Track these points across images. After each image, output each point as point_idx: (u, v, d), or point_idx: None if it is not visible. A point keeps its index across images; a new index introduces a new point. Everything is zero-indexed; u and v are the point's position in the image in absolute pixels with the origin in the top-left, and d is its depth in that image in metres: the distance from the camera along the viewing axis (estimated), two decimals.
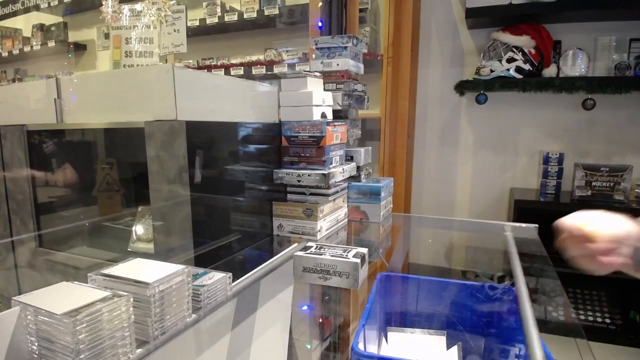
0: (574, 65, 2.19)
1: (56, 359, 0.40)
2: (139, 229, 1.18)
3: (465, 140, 2.62)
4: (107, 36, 3.39)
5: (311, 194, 1.15)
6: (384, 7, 2.26)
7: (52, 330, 0.40)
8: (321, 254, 0.77)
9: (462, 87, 2.38)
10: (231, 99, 0.99)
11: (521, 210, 2.17)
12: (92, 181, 1.26)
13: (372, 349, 0.77)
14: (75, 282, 0.48)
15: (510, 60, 2.23)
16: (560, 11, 2.10)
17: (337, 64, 1.28)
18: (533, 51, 2.23)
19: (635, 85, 2.03)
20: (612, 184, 2.09)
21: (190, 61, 3.03)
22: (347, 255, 0.77)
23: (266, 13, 2.59)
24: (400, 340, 0.83)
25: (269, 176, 1.15)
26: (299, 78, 1.15)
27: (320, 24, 2.10)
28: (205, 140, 0.91)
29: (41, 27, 3.69)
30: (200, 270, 0.60)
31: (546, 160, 2.27)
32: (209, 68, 2.91)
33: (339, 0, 2.13)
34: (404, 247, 1.30)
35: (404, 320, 0.86)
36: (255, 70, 2.69)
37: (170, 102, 0.81)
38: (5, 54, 3.79)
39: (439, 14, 2.56)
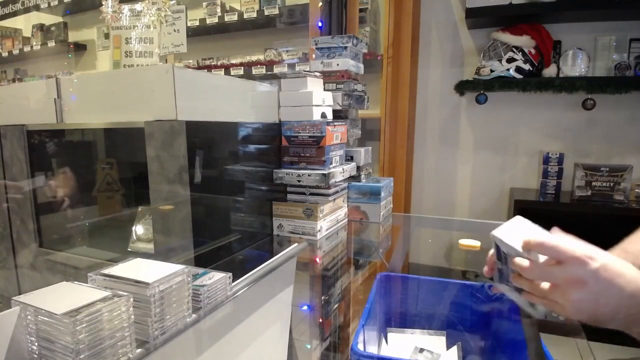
0: (574, 65, 2.19)
1: (56, 359, 0.40)
2: (139, 229, 1.18)
3: (465, 140, 2.62)
4: (107, 36, 3.39)
5: (311, 194, 1.15)
6: (384, 7, 2.26)
7: (52, 330, 0.40)
8: None
9: (462, 87, 2.38)
10: (231, 99, 0.99)
11: (521, 210, 2.16)
12: (92, 181, 1.26)
13: (372, 349, 0.77)
14: (75, 282, 0.48)
15: (510, 60, 2.23)
16: (560, 11, 2.10)
17: (337, 64, 1.28)
18: (533, 51, 2.23)
19: (635, 85, 2.03)
20: (612, 184, 2.09)
21: (190, 61, 3.03)
22: None
23: (266, 13, 2.59)
24: (400, 341, 0.83)
25: (269, 176, 1.15)
26: (299, 78, 1.15)
27: (320, 24, 2.10)
28: (205, 140, 0.91)
29: (41, 27, 3.69)
30: (200, 270, 0.60)
31: (546, 160, 2.27)
32: (209, 68, 2.91)
33: (339, 0, 2.13)
34: (404, 247, 1.30)
35: (404, 320, 0.86)
36: (255, 70, 2.69)
37: (170, 102, 0.81)
38: (5, 54, 3.78)
39: (439, 14, 2.56)
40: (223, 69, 2.80)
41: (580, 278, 0.51)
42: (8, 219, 1.22)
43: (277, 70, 2.62)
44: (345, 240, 1.24)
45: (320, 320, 1.00)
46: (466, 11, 2.26)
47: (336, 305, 1.03)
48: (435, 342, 0.82)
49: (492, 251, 0.67)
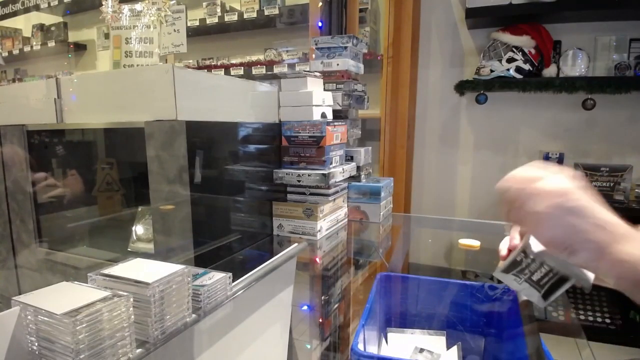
0: (574, 65, 2.19)
1: (56, 359, 0.40)
2: (139, 229, 1.18)
3: (465, 140, 2.62)
4: (107, 36, 3.39)
5: (311, 194, 1.15)
6: (384, 7, 2.26)
7: (52, 330, 0.40)
8: None
9: (462, 87, 2.38)
10: (231, 99, 0.99)
11: None
12: (92, 181, 1.26)
13: (372, 349, 0.77)
14: (75, 282, 0.48)
15: (510, 60, 2.23)
16: (560, 11, 2.10)
17: (337, 64, 1.28)
18: (533, 51, 2.23)
19: (635, 85, 2.03)
20: (612, 184, 2.09)
21: (190, 61, 3.03)
22: None
23: (266, 13, 2.59)
24: (400, 341, 0.83)
25: (269, 176, 1.15)
26: (299, 78, 1.15)
27: (320, 24, 2.10)
28: (205, 140, 0.91)
29: (41, 27, 3.69)
30: (200, 270, 0.60)
31: (546, 160, 2.26)
32: (209, 68, 2.91)
33: (339, 0, 2.13)
34: (404, 247, 1.30)
35: (404, 320, 0.86)
36: (255, 70, 2.69)
37: (170, 102, 0.81)
38: (5, 54, 3.78)
39: (439, 14, 2.56)
40: (223, 69, 2.80)
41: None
42: (8, 219, 1.22)
43: (277, 70, 2.62)
44: (345, 240, 1.24)
45: (320, 320, 1.00)
46: (466, 11, 2.26)
47: (336, 305, 1.03)
48: (435, 342, 0.82)
49: (515, 238, 0.64)
